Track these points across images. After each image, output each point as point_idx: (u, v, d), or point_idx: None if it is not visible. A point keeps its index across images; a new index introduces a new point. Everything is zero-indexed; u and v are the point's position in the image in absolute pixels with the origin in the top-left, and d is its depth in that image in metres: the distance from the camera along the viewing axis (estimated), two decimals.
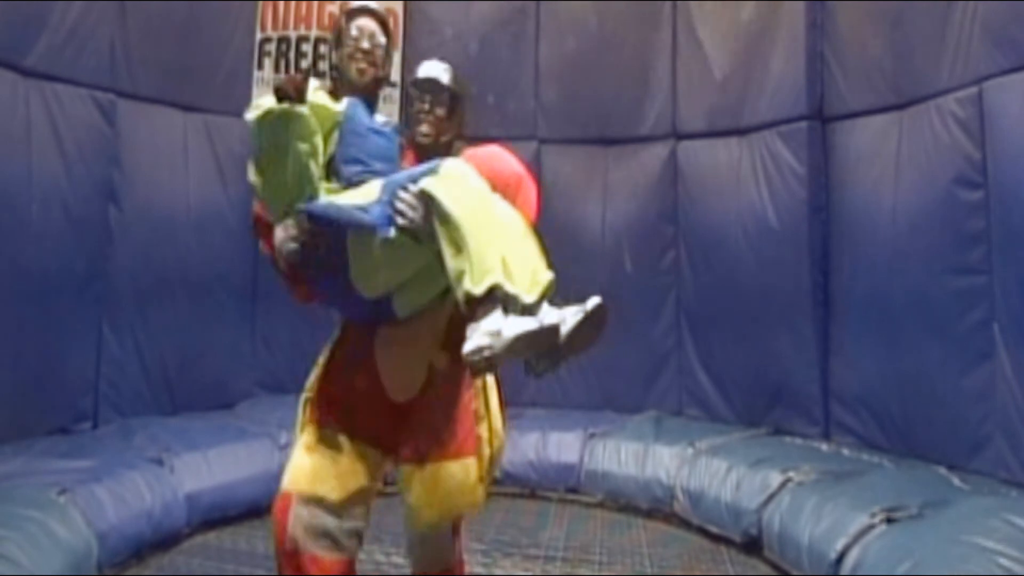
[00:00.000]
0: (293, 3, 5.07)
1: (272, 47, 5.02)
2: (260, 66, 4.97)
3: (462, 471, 2.10)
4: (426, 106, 2.21)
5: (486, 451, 2.16)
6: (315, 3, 5.08)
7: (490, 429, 2.17)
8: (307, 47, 5.04)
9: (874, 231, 4.00)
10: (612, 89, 5.14)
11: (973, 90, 3.45)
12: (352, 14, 2.29)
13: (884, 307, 3.90)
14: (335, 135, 2.09)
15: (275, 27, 5.05)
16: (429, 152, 2.15)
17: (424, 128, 2.21)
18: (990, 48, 3.36)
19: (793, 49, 4.40)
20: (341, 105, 2.12)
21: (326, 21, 5.03)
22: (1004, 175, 3.28)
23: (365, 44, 2.21)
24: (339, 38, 2.26)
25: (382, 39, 2.25)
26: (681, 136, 5.01)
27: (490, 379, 2.20)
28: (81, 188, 4.00)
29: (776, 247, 4.42)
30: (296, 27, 5.06)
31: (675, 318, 4.97)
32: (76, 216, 3.95)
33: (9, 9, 3.67)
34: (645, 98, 5.11)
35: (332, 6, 5.07)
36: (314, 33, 5.03)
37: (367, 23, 2.24)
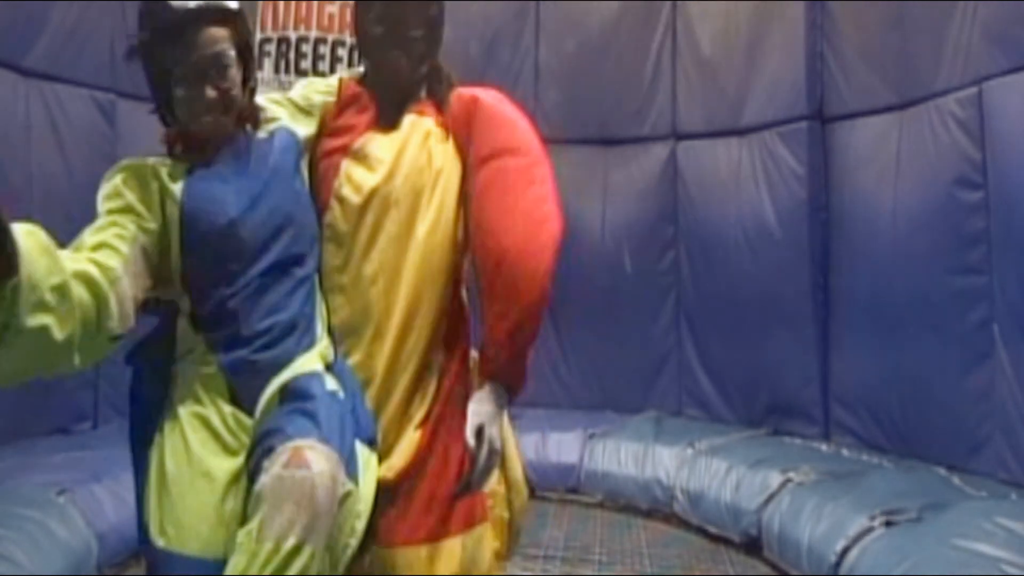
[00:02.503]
0: (293, 3, 5.07)
1: (272, 47, 5.02)
2: (260, 66, 4.97)
3: (473, 545, 1.54)
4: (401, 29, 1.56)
5: (504, 514, 1.63)
6: (315, 3, 5.07)
7: (507, 482, 1.64)
8: (307, 48, 5.03)
9: (874, 231, 3.99)
10: (612, 89, 5.14)
11: (973, 90, 3.45)
12: (173, 25, 1.40)
13: (884, 307, 3.90)
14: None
15: (275, 27, 5.04)
16: (406, 93, 1.61)
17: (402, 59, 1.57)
18: (990, 48, 3.36)
19: (793, 49, 4.41)
20: (178, 185, 1.41)
21: (326, 22, 5.03)
22: (1004, 175, 3.28)
23: (210, 92, 1.40)
24: (156, 66, 1.44)
25: (232, 55, 1.43)
26: (681, 136, 5.01)
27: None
28: (81, 188, 4.00)
29: (776, 247, 4.42)
30: (296, 27, 5.06)
31: (675, 318, 4.97)
32: (76, 216, 3.94)
33: (9, 9, 3.67)
34: (645, 98, 5.11)
35: (332, 6, 5.07)
36: (314, 34, 5.03)
37: (209, 35, 1.41)
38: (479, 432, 1.45)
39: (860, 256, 4.10)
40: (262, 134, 1.53)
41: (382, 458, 1.48)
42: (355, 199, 1.53)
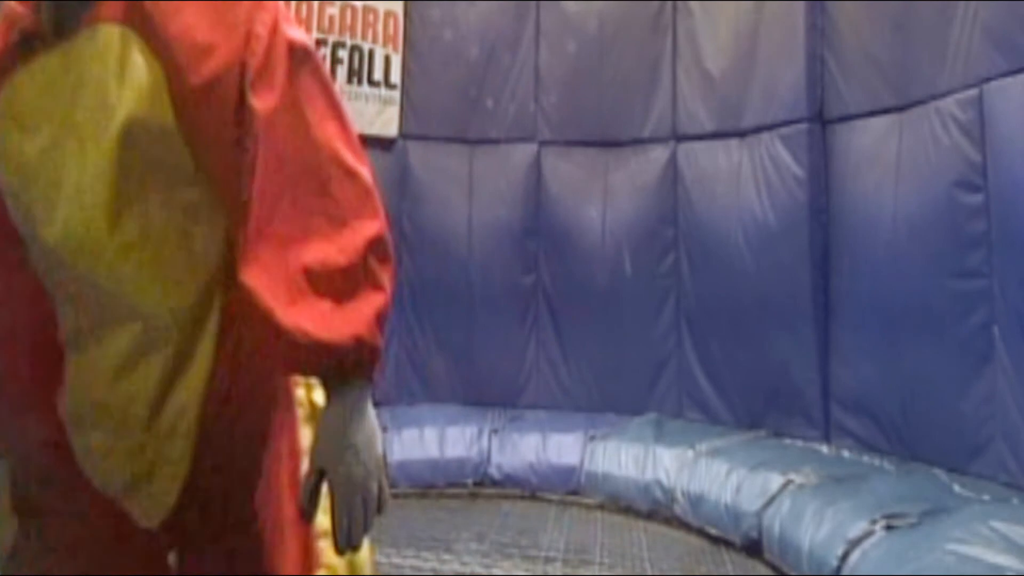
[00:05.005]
0: (293, 3, 5.07)
1: None
2: None
3: None
4: None
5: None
6: (315, 3, 5.08)
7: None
8: None
9: (874, 234, 3.99)
10: (612, 91, 5.14)
11: (973, 92, 3.45)
12: None
13: (884, 310, 3.90)
14: None
15: None
16: None
17: None
18: (990, 50, 3.36)
19: (793, 51, 4.40)
20: None
21: (326, 23, 5.04)
22: (1004, 178, 3.28)
23: None
24: None
25: None
26: (681, 138, 5.01)
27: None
28: None
29: (776, 250, 4.42)
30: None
31: (675, 320, 4.97)
32: None
33: None
34: (645, 100, 5.11)
35: (332, 8, 5.08)
36: (314, 35, 5.04)
37: None
38: (318, 480, 0.97)
39: (860, 258, 4.09)
40: None
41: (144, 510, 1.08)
42: (13, 183, 0.99)
